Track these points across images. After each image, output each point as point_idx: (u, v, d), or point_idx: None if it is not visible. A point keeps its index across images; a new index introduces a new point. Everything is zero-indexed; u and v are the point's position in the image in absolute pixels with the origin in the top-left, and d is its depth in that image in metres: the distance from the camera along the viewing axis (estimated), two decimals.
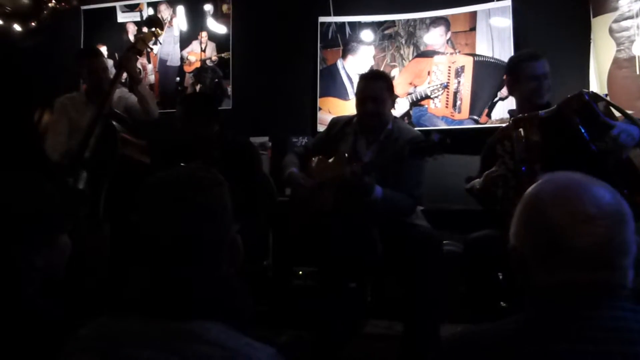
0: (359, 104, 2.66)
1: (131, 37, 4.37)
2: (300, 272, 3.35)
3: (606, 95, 2.22)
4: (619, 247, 0.92)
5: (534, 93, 2.40)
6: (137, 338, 0.84)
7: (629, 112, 2.99)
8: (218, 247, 0.94)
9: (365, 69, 3.85)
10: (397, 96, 3.56)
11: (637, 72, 3.05)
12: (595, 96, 2.16)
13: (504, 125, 2.54)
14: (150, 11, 4.42)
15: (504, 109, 3.49)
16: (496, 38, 3.63)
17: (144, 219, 0.93)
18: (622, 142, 1.98)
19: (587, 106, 2.10)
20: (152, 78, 4.41)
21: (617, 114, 2.19)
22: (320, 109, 3.98)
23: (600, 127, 2.03)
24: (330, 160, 2.67)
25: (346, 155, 2.59)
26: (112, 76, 3.19)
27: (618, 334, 0.87)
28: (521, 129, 2.26)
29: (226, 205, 0.97)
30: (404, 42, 3.86)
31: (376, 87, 2.61)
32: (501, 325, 0.96)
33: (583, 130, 2.08)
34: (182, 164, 1.02)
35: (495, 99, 3.58)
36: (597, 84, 3.26)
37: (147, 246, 0.92)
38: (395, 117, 2.79)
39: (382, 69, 3.84)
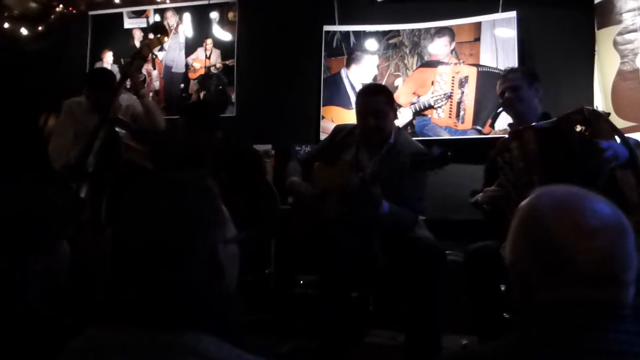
0: (360, 119, 2.62)
1: (137, 43, 4.40)
2: (302, 281, 3.34)
3: (608, 114, 2.28)
4: (622, 261, 0.89)
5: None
6: (126, 350, 0.82)
7: (634, 124, 3.02)
8: (202, 255, 0.90)
9: (369, 78, 3.87)
10: (398, 108, 3.56)
11: None
12: (594, 113, 2.18)
13: (506, 136, 2.55)
14: (157, 18, 4.45)
15: (507, 119, 3.47)
16: (500, 49, 3.63)
17: (126, 223, 0.92)
18: (607, 157, 2.03)
19: (585, 123, 2.14)
20: (157, 84, 4.43)
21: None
22: (323, 117, 3.99)
23: (591, 146, 2.07)
24: (333, 169, 2.66)
25: (349, 164, 2.58)
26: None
27: (624, 359, 0.84)
28: (517, 141, 2.28)
29: (212, 213, 0.95)
30: (408, 51, 3.86)
31: (377, 101, 2.57)
32: (501, 346, 0.93)
33: (578, 146, 2.11)
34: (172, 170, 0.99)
35: (499, 110, 3.55)
36: (601, 95, 3.26)
37: (129, 251, 0.90)
38: (398, 129, 2.77)
39: (385, 78, 3.85)
